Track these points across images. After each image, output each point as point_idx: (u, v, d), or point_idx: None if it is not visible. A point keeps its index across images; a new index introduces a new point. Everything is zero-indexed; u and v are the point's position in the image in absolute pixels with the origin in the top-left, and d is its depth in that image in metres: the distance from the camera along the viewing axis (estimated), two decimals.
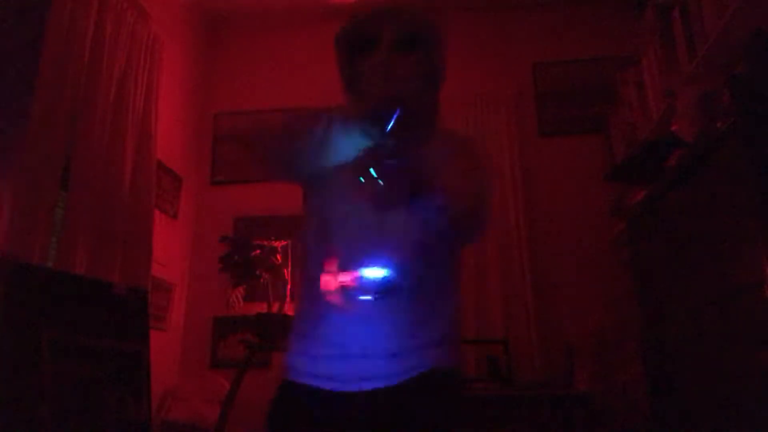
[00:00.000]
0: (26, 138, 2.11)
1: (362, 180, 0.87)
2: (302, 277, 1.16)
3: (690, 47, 2.25)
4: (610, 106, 3.20)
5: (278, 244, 2.80)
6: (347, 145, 1.09)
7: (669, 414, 1.98)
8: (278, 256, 2.78)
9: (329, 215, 1.11)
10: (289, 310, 2.74)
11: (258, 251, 2.73)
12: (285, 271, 2.78)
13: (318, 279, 1.01)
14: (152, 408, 2.14)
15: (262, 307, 2.76)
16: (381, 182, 0.86)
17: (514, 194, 3.27)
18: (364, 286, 0.96)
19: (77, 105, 2.36)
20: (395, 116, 0.90)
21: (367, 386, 1.02)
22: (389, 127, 0.90)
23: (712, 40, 2.04)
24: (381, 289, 0.96)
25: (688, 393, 1.84)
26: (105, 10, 2.54)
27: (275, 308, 2.71)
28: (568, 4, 3.58)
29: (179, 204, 3.35)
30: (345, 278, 0.97)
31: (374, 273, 0.96)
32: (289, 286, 2.78)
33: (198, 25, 3.72)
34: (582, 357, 2.79)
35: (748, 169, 1.48)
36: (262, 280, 2.75)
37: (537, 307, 3.09)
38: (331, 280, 0.98)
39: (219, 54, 3.81)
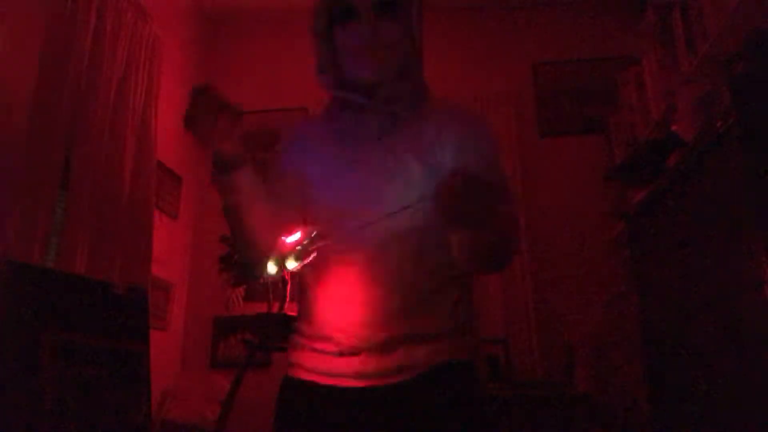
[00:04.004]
0: (26, 138, 2.11)
1: None
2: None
3: (690, 47, 2.25)
4: (610, 106, 3.20)
5: None
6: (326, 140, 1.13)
7: (669, 414, 1.98)
8: None
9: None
10: (289, 310, 2.74)
11: None
12: (285, 271, 2.77)
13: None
14: (152, 408, 2.13)
15: (262, 307, 2.75)
16: None
17: (514, 194, 3.27)
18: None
19: (77, 105, 2.36)
20: None
21: (379, 382, 0.98)
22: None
23: (712, 40, 2.04)
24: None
25: (688, 393, 1.84)
26: (105, 10, 2.54)
27: (275, 308, 2.71)
28: (568, 4, 3.58)
29: (179, 204, 3.35)
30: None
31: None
32: (289, 286, 2.78)
33: (198, 25, 3.72)
34: (582, 357, 2.79)
35: (748, 169, 1.49)
36: (262, 280, 2.74)
37: (537, 307, 3.09)
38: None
39: (219, 54, 3.80)
